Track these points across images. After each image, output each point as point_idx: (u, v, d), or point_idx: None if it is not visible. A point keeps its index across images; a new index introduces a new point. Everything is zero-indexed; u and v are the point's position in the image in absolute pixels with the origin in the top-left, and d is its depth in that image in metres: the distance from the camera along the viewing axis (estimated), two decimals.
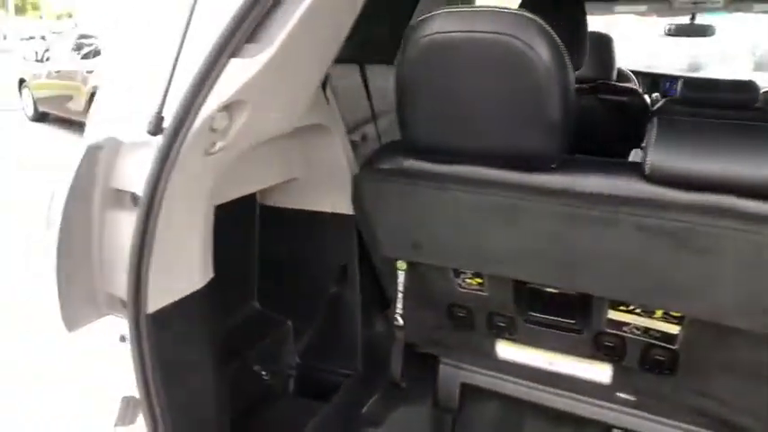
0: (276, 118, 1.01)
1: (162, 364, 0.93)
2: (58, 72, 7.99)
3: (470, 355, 1.53)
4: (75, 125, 8.07)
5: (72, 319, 0.89)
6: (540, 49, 0.87)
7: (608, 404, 1.39)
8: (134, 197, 0.89)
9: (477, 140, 1.00)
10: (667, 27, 3.33)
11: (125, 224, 0.89)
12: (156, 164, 0.85)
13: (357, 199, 1.24)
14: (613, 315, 1.24)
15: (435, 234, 1.18)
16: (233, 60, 0.86)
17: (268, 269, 1.58)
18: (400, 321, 1.42)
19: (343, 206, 1.43)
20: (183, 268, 0.96)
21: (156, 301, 0.90)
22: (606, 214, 0.98)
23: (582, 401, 1.43)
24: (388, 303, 1.54)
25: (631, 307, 1.20)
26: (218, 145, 0.93)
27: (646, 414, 1.36)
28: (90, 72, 7.23)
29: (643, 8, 3.40)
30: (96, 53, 7.35)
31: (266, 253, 1.56)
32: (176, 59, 0.86)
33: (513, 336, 1.42)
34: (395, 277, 1.39)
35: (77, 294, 0.89)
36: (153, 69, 0.91)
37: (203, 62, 0.85)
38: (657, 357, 1.26)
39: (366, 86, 1.53)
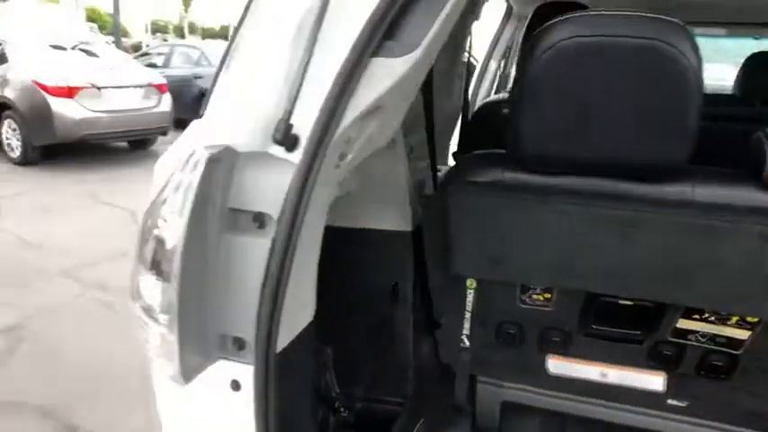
0: (391, 127, 0.91)
1: (281, 409, 0.80)
2: None
3: (514, 372, 1.48)
4: None
5: (189, 368, 0.73)
6: (690, 55, 0.85)
7: (658, 412, 1.39)
8: (258, 217, 0.76)
9: (603, 150, 0.95)
10: None
11: (245, 250, 0.75)
12: (298, 179, 0.72)
13: (439, 213, 1.15)
14: (683, 324, 1.24)
15: (525, 249, 1.12)
16: (375, 60, 0.76)
17: None
18: (467, 343, 1.35)
19: (399, 222, 1.34)
20: (304, 299, 0.83)
21: (282, 338, 0.77)
22: (726, 224, 0.97)
23: (631, 411, 1.42)
24: (437, 325, 1.46)
25: (706, 315, 1.21)
26: (348, 157, 0.82)
27: (696, 419, 1.37)
28: None
29: None
30: (2, 58, 6.64)
31: None
32: (308, 57, 0.75)
33: (565, 350, 1.39)
34: (460, 296, 1.32)
35: (193, 337, 0.74)
36: (267, 68, 0.78)
37: (345, 61, 0.74)
38: (715, 363, 1.27)
39: (429, 99, 1.46)
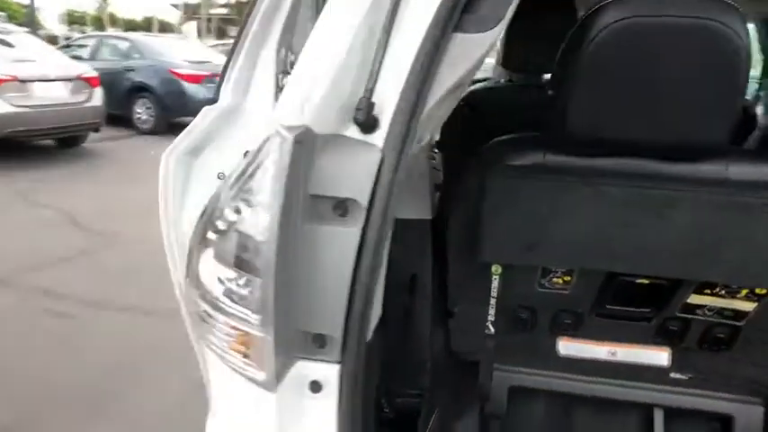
0: (451, 108, 0.88)
1: (363, 411, 0.75)
2: None
3: (524, 356, 1.49)
4: None
5: (279, 372, 0.67)
6: (743, 36, 0.87)
7: (661, 386, 1.44)
8: (340, 204, 0.70)
9: (655, 130, 0.96)
10: None
11: (329, 240, 0.70)
12: (390, 162, 0.68)
13: (468, 199, 1.13)
14: (694, 299, 1.28)
15: (563, 232, 1.12)
16: (458, 35, 0.72)
17: None
18: (492, 330, 1.34)
19: (419, 210, 1.30)
20: (380, 291, 0.78)
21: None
22: (760, 201, 1.00)
23: (635, 387, 1.45)
24: (449, 314, 1.44)
25: (717, 289, 1.25)
26: (424, 140, 0.77)
27: (698, 391, 1.43)
28: None
29: None
30: None
31: None
32: (389, 31, 0.70)
33: (576, 331, 1.41)
34: (483, 284, 1.31)
35: (284, 337, 0.67)
36: (342, 44, 0.73)
37: (428, 35, 0.70)
38: (718, 335, 1.33)
39: None
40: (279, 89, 1.29)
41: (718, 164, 1.01)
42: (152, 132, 8.55)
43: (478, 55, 0.73)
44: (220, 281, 0.69)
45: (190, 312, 0.76)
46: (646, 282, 1.27)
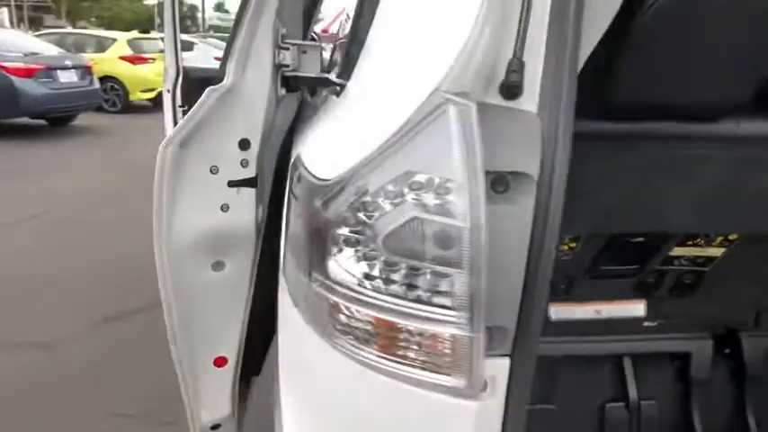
0: None
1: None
2: None
3: None
4: None
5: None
6: None
7: (633, 335, 1.54)
8: (500, 180, 0.62)
9: (692, 94, 0.99)
10: None
11: (493, 221, 0.61)
12: (565, 127, 0.61)
13: None
14: (675, 251, 1.38)
15: (600, 198, 1.13)
16: None
17: None
18: None
19: None
20: None
21: None
22: None
23: (612, 340, 1.54)
24: None
25: (698, 239, 1.36)
26: None
27: (664, 335, 1.56)
28: None
29: None
30: None
31: None
32: None
33: (567, 296, 1.45)
34: None
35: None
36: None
37: None
38: (686, 281, 1.46)
39: None
40: (275, 66, 1.15)
41: (730, 121, 1.08)
42: None
43: (614, 10, 0.69)
44: (381, 279, 0.58)
45: (308, 313, 0.64)
46: (640, 239, 1.34)
